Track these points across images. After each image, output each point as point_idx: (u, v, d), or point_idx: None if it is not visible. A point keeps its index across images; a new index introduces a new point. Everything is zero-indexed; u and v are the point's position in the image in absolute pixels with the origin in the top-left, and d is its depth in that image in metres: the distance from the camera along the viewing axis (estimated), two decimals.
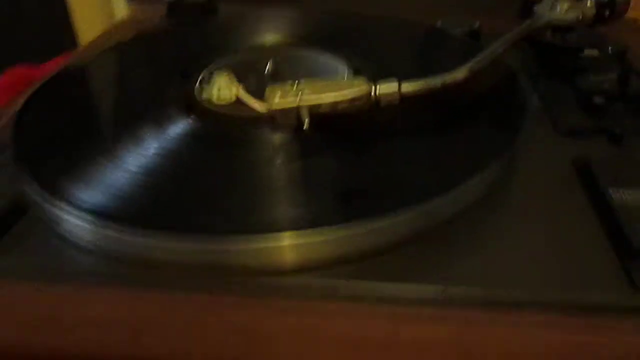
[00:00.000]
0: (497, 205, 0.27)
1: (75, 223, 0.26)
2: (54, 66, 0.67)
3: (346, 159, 0.29)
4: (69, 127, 0.33)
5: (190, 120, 0.32)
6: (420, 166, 0.29)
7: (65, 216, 0.26)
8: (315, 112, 0.28)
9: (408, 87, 0.29)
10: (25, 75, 0.64)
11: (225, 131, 0.31)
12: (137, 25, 0.55)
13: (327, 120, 0.29)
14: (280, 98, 0.28)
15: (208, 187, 0.28)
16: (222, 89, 0.31)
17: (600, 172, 0.27)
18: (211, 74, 0.33)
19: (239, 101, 0.31)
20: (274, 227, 0.24)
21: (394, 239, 0.25)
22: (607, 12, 0.39)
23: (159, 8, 0.57)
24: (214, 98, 0.32)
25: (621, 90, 0.32)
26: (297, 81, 0.29)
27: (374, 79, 0.30)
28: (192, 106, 0.33)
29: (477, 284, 0.23)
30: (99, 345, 0.21)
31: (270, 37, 0.44)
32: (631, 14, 0.53)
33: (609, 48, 0.39)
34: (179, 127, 0.31)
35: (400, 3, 0.51)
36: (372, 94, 0.29)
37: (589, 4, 0.38)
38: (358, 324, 0.22)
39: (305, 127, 0.27)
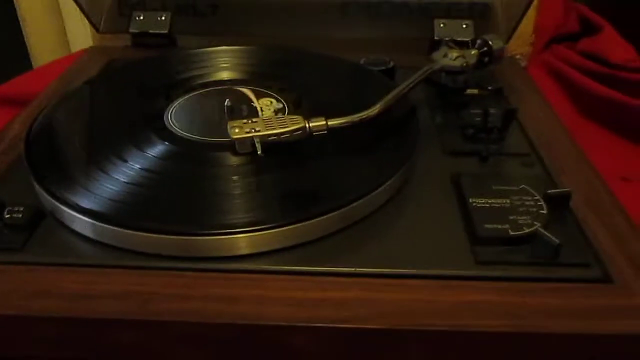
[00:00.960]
0: (395, 207, 0.38)
1: (80, 223, 0.35)
2: (19, 85, 0.74)
3: (287, 175, 0.39)
4: (70, 146, 0.42)
5: (166, 144, 0.41)
6: (341, 179, 0.39)
7: (73, 219, 0.35)
8: (265, 141, 0.38)
9: (333, 122, 0.40)
10: None
11: (195, 153, 0.41)
12: (106, 52, 0.63)
13: (273, 147, 0.39)
14: (239, 130, 0.38)
15: (183, 195, 0.37)
16: None
17: (465, 186, 0.39)
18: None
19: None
20: (233, 226, 0.34)
21: (321, 234, 0.35)
22: (487, 59, 0.51)
23: (124, 37, 0.65)
24: None
25: (484, 124, 0.44)
26: (251, 119, 0.39)
27: (310, 109, 0.41)
28: (167, 132, 0.43)
29: (377, 264, 0.34)
30: (118, 311, 0.31)
31: (224, 71, 0.53)
32: (517, 50, 0.67)
33: (489, 87, 0.51)
34: (157, 149, 0.41)
35: (333, 42, 0.62)
36: (307, 127, 0.39)
37: (472, 52, 0.50)
38: (294, 290, 0.32)
39: (259, 153, 0.37)
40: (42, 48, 1.15)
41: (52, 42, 1.16)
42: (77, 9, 1.06)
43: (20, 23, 1.12)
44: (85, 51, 0.65)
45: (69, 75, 0.58)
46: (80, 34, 1.16)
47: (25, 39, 1.13)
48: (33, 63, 1.16)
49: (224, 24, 0.66)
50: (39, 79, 0.74)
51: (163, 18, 0.63)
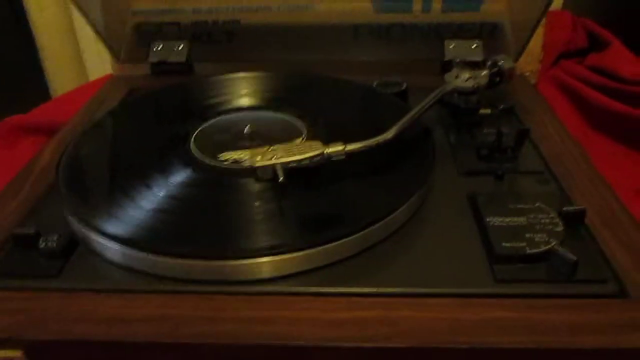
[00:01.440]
0: (414, 228, 0.40)
1: (111, 250, 0.37)
2: (42, 114, 0.76)
3: (307, 200, 0.41)
4: (99, 175, 0.44)
5: (191, 171, 0.43)
6: (359, 202, 0.40)
7: (104, 246, 0.37)
8: (286, 167, 0.40)
9: (351, 147, 0.41)
10: (20, 122, 0.73)
11: (219, 180, 0.42)
12: (126, 81, 0.65)
13: (293, 172, 0.40)
14: (261, 158, 0.40)
15: (208, 221, 0.39)
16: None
17: (482, 205, 0.40)
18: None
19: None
20: (258, 250, 0.35)
21: (342, 256, 0.37)
22: (497, 79, 0.52)
23: (143, 67, 0.67)
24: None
25: (497, 143, 0.45)
26: (271, 146, 0.40)
27: (326, 133, 0.42)
28: (192, 161, 0.44)
29: (398, 284, 0.35)
30: (152, 334, 0.32)
31: (242, 98, 0.55)
32: (526, 68, 0.68)
33: (500, 106, 0.52)
34: (182, 176, 0.42)
35: (346, 65, 0.64)
36: (325, 153, 0.40)
37: (483, 73, 0.52)
38: (319, 310, 0.33)
39: (281, 179, 0.38)
40: (59, 74, 1.19)
41: (68, 69, 1.19)
42: (93, 35, 1.09)
43: (38, 50, 1.15)
44: (105, 80, 0.67)
45: (93, 105, 0.60)
46: (96, 60, 1.19)
47: (43, 66, 1.17)
48: (50, 89, 1.19)
49: (239, 51, 0.68)
50: (60, 108, 0.76)
51: (181, 48, 0.66)
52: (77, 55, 1.20)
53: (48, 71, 1.17)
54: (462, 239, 0.38)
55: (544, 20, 0.62)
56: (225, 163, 0.43)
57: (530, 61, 0.68)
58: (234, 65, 0.64)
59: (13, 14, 1.09)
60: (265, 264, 0.36)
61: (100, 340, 0.32)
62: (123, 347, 0.32)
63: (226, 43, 0.68)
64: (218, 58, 0.68)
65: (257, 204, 0.40)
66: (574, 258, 0.34)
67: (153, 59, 0.65)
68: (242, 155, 0.43)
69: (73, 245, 0.38)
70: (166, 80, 0.63)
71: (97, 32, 0.63)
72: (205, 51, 0.68)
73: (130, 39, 0.67)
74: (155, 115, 0.53)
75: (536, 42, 0.67)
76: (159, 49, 0.65)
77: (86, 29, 1.14)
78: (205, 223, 0.39)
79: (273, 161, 0.39)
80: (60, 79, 1.19)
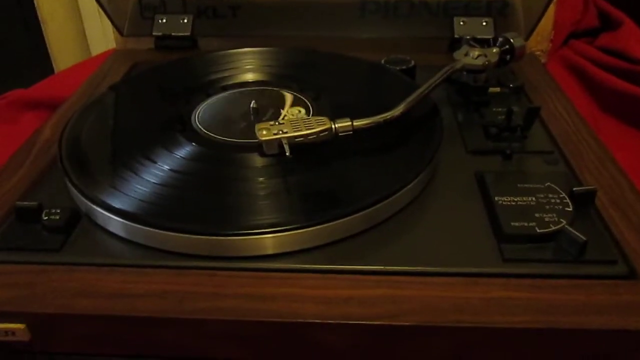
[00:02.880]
0: (421, 206, 0.39)
1: (114, 224, 0.36)
2: (44, 88, 0.75)
3: (313, 176, 0.40)
4: (101, 150, 0.43)
5: (195, 145, 0.42)
6: (366, 179, 0.40)
7: (107, 220, 0.36)
8: (292, 142, 0.39)
9: (359, 123, 0.40)
10: (21, 97, 0.72)
11: (223, 154, 0.42)
12: (130, 55, 0.64)
13: (299, 148, 0.40)
14: (267, 132, 0.39)
15: (212, 196, 0.38)
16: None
17: (491, 183, 0.39)
18: None
19: None
20: (261, 226, 0.35)
21: (347, 234, 0.36)
22: (508, 57, 0.51)
23: (146, 40, 0.66)
24: None
25: (507, 122, 0.44)
26: (277, 121, 0.40)
27: (333, 110, 0.41)
28: (195, 134, 0.44)
29: (404, 263, 0.34)
30: (155, 310, 0.32)
31: (247, 73, 0.54)
32: (536, 47, 0.67)
33: (510, 85, 0.51)
34: (186, 151, 0.42)
35: (354, 42, 0.63)
36: (333, 128, 0.40)
37: (494, 50, 0.51)
38: (324, 288, 0.33)
39: (287, 154, 0.38)
40: (62, 50, 1.18)
41: (72, 44, 1.19)
42: (97, 11, 1.07)
43: (42, 26, 1.14)
44: (109, 54, 0.67)
45: (96, 79, 0.59)
46: (100, 36, 1.18)
47: (46, 41, 1.16)
48: (54, 64, 1.18)
49: (244, 26, 0.67)
50: (63, 83, 0.76)
51: (185, 21, 0.64)
52: (80, 31, 1.19)
53: (51, 46, 1.16)
54: (469, 217, 0.38)
55: None
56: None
57: (540, 40, 0.67)
58: (239, 41, 0.63)
59: None
60: (268, 241, 0.35)
61: (102, 315, 0.32)
62: (126, 322, 0.32)
63: (231, 18, 0.67)
64: (222, 33, 0.67)
65: (261, 179, 0.39)
66: (584, 239, 0.33)
67: (157, 32, 0.64)
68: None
69: (75, 220, 0.38)
70: (170, 55, 0.62)
71: (100, 4, 0.62)
72: (209, 26, 0.67)
73: (134, 12, 0.66)
74: (159, 90, 0.52)
75: (547, 21, 0.65)
76: (164, 21, 0.64)
77: (90, 4, 1.13)
78: (208, 198, 0.38)
79: (280, 136, 0.38)
80: (64, 54, 1.18)
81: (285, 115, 0.46)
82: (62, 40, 1.17)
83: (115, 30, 0.67)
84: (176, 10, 0.66)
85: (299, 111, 0.47)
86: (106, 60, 0.64)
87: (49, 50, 1.17)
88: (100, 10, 0.64)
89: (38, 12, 1.12)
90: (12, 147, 0.60)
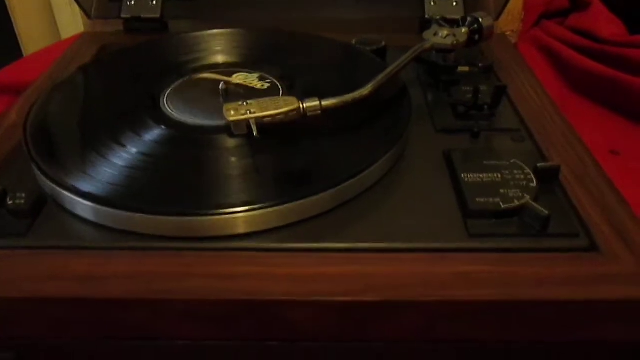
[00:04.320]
0: (389, 184, 0.39)
1: (81, 207, 0.36)
2: (11, 73, 0.74)
3: (282, 156, 0.40)
4: (69, 133, 0.43)
5: (163, 128, 0.42)
6: (335, 158, 0.40)
7: (74, 203, 0.36)
8: (260, 122, 0.39)
9: (327, 102, 0.40)
10: None
11: (191, 136, 0.42)
12: (98, 38, 0.63)
13: (268, 128, 0.40)
14: (235, 113, 0.39)
15: (181, 178, 0.38)
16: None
17: (457, 161, 0.40)
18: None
19: None
20: (230, 206, 0.35)
21: (316, 212, 0.36)
22: (477, 37, 0.52)
23: (115, 23, 0.65)
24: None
25: (474, 101, 0.45)
26: (246, 101, 0.39)
27: (303, 91, 0.41)
28: (164, 116, 0.43)
29: (372, 240, 0.35)
30: (124, 291, 0.32)
31: (217, 55, 0.54)
32: (507, 27, 0.68)
33: (479, 64, 0.52)
34: (154, 133, 0.41)
35: (324, 22, 0.63)
36: (301, 108, 0.40)
37: (463, 30, 0.51)
38: (292, 266, 0.33)
39: (255, 134, 0.38)
40: (31, 35, 1.15)
41: (41, 30, 1.16)
42: None
43: (9, 11, 1.11)
44: (77, 38, 0.65)
45: (63, 62, 0.58)
46: (69, 21, 1.15)
47: (15, 27, 1.13)
48: (23, 50, 1.15)
49: (215, 8, 0.66)
50: (30, 67, 0.74)
51: (154, 3, 0.63)
52: (49, 14, 1.16)
53: (19, 30, 1.13)
54: (437, 195, 0.38)
55: None
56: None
57: (511, 20, 0.68)
58: (209, 24, 0.62)
59: None
60: (237, 219, 0.35)
61: (72, 298, 0.31)
62: (96, 304, 0.32)
63: (201, 0, 0.66)
64: (192, 15, 0.66)
65: (232, 159, 0.39)
66: (547, 213, 0.34)
67: (126, 14, 0.63)
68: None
69: (41, 204, 0.37)
70: (139, 38, 0.61)
71: None
72: (179, 8, 0.66)
73: None
74: (128, 72, 0.51)
75: (517, 2, 0.66)
76: (132, 3, 0.63)
77: None
78: (178, 180, 0.38)
79: (247, 116, 0.38)
80: (32, 38, 1.15)
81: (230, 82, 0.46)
82: (31, 25, 1.14)
83: (82, 11, 0.65)
84: None
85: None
86: (73, 43, 0.63)
87: (18, 36, 1.14)
88: None
89: None
90: None
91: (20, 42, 1.15)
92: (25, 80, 0.67)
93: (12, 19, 1.12)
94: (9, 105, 0.65)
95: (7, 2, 1.10)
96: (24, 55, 1.15)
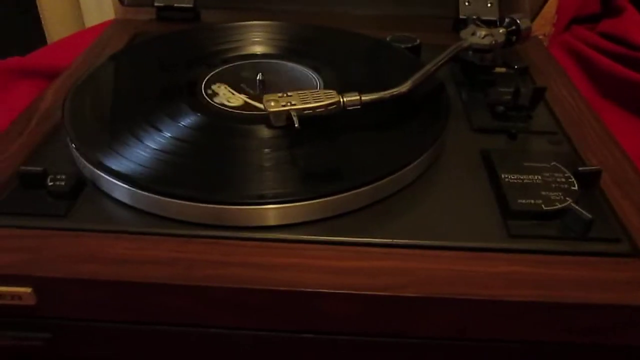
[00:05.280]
0: (427, 182, 0.39)
1: (120, 191, 0.36)
2: (40, 57, 0.74)
3: (320, 149, 0.40)
4: (106, 117, 0.43)
5: (202, 115, 0.42)
6: (373, 154, 0.40)
7: (113, 186, 0.36)
8: (300, 114, 0.39)
9: (366, 97, 0.40)
10: (17, 65, 0.71)
11: (231, 125, 0.42)
12: (130, 26, 0.63)
13: (306, 121, 0.39)
14: (275, 104, 0.39)
15: (218, 166, 0.38)
16: (230, 98, 0.42)
17: (497, 161, 0.39)
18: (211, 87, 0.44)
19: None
20: (266, 197, 0.35)
21: (353, 208, 0.36)
22: (514, 38, 0.51)
23: (145, 11, 0.65)
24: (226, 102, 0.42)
25: (514, 102, 0.44)
26: (286, 93, 0.39)
27: (340, 85, 0.41)
28: (204, 105, 0.43)
29: (411, 236, 0.35)
30: (164, 276, 0.32)
31: (255, 46, 0.54)
32: (539, 30, 0.67)
33: (515, 66, 0.51)
34: (193, 121, 0.41)
35: (358, 19, 0.63)
36: (341, 101, 0.40)
37: (500, 31, 0.51)
38: (330, 259, 0.33)
39: (296, 126, 0.38)
40: (55, 20, 1.16)
41: (65, 14, 1.16)
42: None
43: None
44: (109, 24, 0.65)
45: (96, 48, 0.58)
46: (94, 7, 1.16)
47: (39, 11, 1.14)
48: (46, 34, 1.16)
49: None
50: (59, 53, 0.74)
51: None
52: (74, 1, 1.17)
53: (44, 16, 1.14)
54: (475, 194, 0.38)
55: None
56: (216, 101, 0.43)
57: (543, 24, 0.67)
58: (241, 14, 0.62)
59: None
60: (271, 211, 0.35)
61: (109, 281, 0.31)
62: (132, 288, 0.32)
63: None
64: (225, 5, 0.66)
65: (267, 150, 0.39)
66: (590, 217, 0.34)
67: (159, 2, 0.63)
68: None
69: (80, 186, 0.37)
70: (171, 27, 0.61)
71: None
72: None
73: None
74: (164, 59, 0.51)
75: (551, 5, 0.65)
76: None
77: None
78: (215, 168, 0.38)
79: (288, 107, 0.38)
80: (57, 24, 1.16)
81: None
82: (55, 10, 1.15)
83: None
84: None
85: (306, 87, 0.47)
86: (106, 29, 0.63)
87: (42, 20, 1.15)
88: None
89: None
90: (7, 114, 0.59)
91: (44, 26, 1.16)
92: (54, 65, 0.68)
93: (38, 5, 1.12)
94: (37, 89, 0.66)
95: None
96: (48, 40, 1.15)
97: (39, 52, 0.77)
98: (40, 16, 1.14)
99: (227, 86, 0.45)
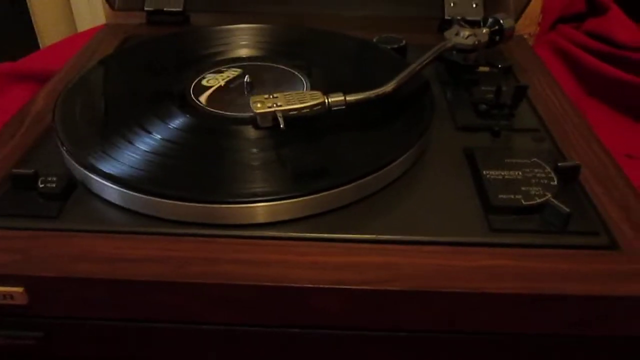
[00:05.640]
0: (412, 179, 0.40)
1: (110, 191, 0.37)
2: (32, 62, 0.75)
3: (306, 149, 0.41)
4: (97, 120, 0.44)
5: (189, 117, 0.43)
6: (358, 152, 0.41)
7: (103, 187, 0.37)
8: (286, 115, 0.40)
9: (351, 98, 0.41)
10: (10, 70, 0.72)
11: (219, 127, 0.42)
12: (121, 30, 0.64)
13: (292, 121, 0.40)
14: (261, 105, 0.40)
15: (207, 166, 0.39)
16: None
17: (479, 158, 0.40)
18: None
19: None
20: (254, 195, 0.36)
21: (339, 205, 0.37)
22: (497, 38, 0.52)
23: (135, 15, 0.66)
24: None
25: (496, 100, 0.45)
26: (272, 94, 0.40)
27: (327, 86, 0.42)
28: (192, 107, 0.44)
29: (395, 232, 0.36)
30: (156, 274, 0.32)
31: (242, 49, 0.55)
32: (525, 30, 0.68)
33: (499, 65, 0.52)
34: (182, 122, 0.42)
35: (346, 20, 0.64)
36: (326, 102, 0.40)
37: (484, 31, 0.52)
38: (317, 255, 0.34)
39: (282, 127, 0.38)
40: (48, 25, 1.16)
41: (58, 19, 1.17)
42: None
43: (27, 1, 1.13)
44: (99, 28, 0.66)
45: (87, 52, 0.59)
46: (86, 12, 1.17)
47: (32, 16, 1.14)
48: (38, 37, 1.17)
49: (235, 2, 0.67)
50: (51, 57, 0.75)
51: None
52: (66, 6, 1.17)
53: (37, 21, 1.15)
54: (458, 190, 0.39)
55: None
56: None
57: (528, 24, 0.68)
58: (229, 17, 0.63)
59: None
60: (261, 209, 0.36)
61: (102, 279, 0.32)
62: (126, 286, 0.32)
63: None
64: (214, 9, 0.67)
65: (255, 150, 0.40)
66: (568, 210, 0.35)
67: (149, 6, 0.64)
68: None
69: (71, 187, 0.38)
70: (161, 30, 0.62)
71: None
72: (201, 1, 0.67)
73: None
74: (154, 63, 0.52)
75: (536, 4, 0.66)
76: None
77: None
78: (203, 168, 0.39)
79: (274, 109, 0.39)
80: (49, 29, 1.17)
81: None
82: (47, 14, 1.15)
83: (106, 4, 0.66)
84: None
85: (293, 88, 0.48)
86: (97, 33, 0.64)
87: (34, 25, 1.16)
88: None
89: None
90: (2, 117, 0.60)
91: (36, 32, 1.16)
92: (46, 69, 0.68)
93: (30, 10, 1.13)
94: (30, 93, 0.67)
95: None
96: (40, 44, 1.16)
97: (31, 57, 0.77)
98: (32, 20, 1.15)
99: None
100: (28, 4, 1.12)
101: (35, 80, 0.70)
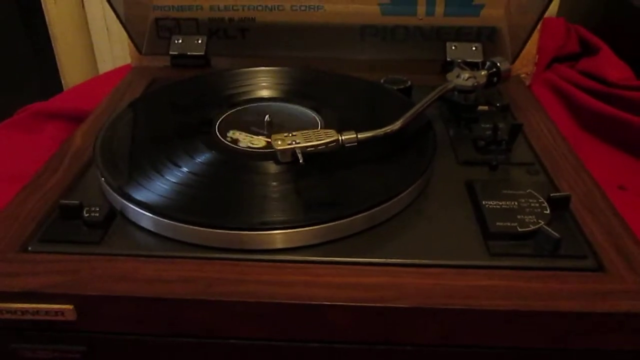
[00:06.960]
0: (417, 209, 0.44)
1: (145, 219, 0.41)
2: (62, 101, 0.80)
3: (321, 182, 0.45)
4: (132, 155, 0.48)
5: (217, 153, 0.47)
6: (368, 185, 0.45)
7: (139, 216, 0.41)
8: (303, 151, 0.44)
9: (362, 135, 0.46)
10: (42, 109, 0.77)
11: (242, 162, 0.47)
12: (148, 72, 0.70)
13: (308, 156, 0.45)
14: (281, 142, 0.44)
15: (233, 197, 0.43)
16: (252, 141, 0.49)
17: (479, 189, 0.44)
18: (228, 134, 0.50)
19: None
20: (273, 223, 0.40)
21: (352, 232, 0.41)
22: (495, 79, 0.57)
23: (161, 59, 0.72)
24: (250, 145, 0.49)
25: (494, 137, 0.50)
26: (291, 132, 0.45)
27: (339, 124, 0.47)
28: (218, 144, 0.49)
29: (402, 257, 0.40)
30: (188, 292, 0.36)
31: (262, 90, 0.60)
32: (522, 70, 0.73)
33: (497, 104, 0.57)
34: (209, 158, 0.47)
35: (355, 63, 0.69)
36: (340, 139, 0.45)
37: (482, 73, 0.56)
38: (332, 276, 0.38)
39: (301, 162, 0.43)
40: (71, 64, 1.23)
41: (80, 58, 1.24)
42: (104, 28, 1.13)
43: (52, 42, 1.20)
44: (126, 70, 0.72)
45: (118, 93, 0.64)
46: (107, 53, 1.23)
47: (56, 56, 1.21)
48: (62, 77, 1.23)
49: (252, 46, 0.73)
50: (79, 96, 0.80)
51: (200, 41, 0.70)
52: (88, 47, 1.24)
53: (60, 61, 1.21)
54: (459, 218, 0.43)
55: (539, 26, 0.67)
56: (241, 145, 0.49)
57: (525, 64, 0.73)
58: (247, 61, 0.69)
59: (27, 5, 1.14)
60: (278, 236, 0.40)
61: (141, 297, 0.36)
62: (163, 303, 0.36)
63: (240, 39, 0.72)
64: (233, 53, 0.72)
65: (274, 183, 0.45)
66: (558, 236, 0.39)
67: (174, 51, 0.70)
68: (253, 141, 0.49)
69: (112, 216, 0.42)
70: (184, 72, 0.68)
71: (123, 25, 0.67)
72: (220, 46, 0.72)
73: (152, 32, 0.71)
74: (180, 103, 0.57)
75: (532, 46, 0.71)
76: (180, 42, 0.70)
77: (99, 23, 1.19)
78: (229, 198, 0.43)
79: (294, 145, 0.44)
80: (72, 69, 1.23)
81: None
82: (70, 55, 1.22)
83: (132, 48, 0.72)
84: (190, 31, 0.71)
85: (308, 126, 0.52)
86: (126, 76, 0.69)
87: (58, 65, 1.22)
88: (108, 28, 0.69)
89: (49, 29, 1.17)
90: (33, 154, 0.65)
91: (60, 71, 1.23)
92: (75, 108, 0.74)
93: (54, 47, 1.20)
94: (61, 131, 0.72)
95: (50, 35, 1.18)
96: (63, 83, 1.23)
97: (59, 97, 0.83)
98: (57, 61, 1.22)
99: (241, 132, 0.51)
100: (53, 46, 1.19)
101: (65, 118, 0.75)
